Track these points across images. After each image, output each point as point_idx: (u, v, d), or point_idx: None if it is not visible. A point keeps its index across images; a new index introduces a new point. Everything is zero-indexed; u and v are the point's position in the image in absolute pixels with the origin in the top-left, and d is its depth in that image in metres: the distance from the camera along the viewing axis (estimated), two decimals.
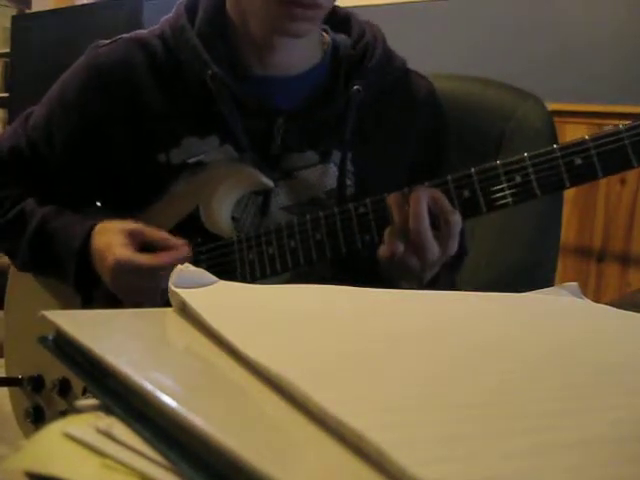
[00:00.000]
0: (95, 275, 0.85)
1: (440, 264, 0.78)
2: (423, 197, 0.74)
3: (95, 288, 0.87)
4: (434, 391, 0.29)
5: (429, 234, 0.74)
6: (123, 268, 0.80)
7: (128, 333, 0.38)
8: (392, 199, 0.76)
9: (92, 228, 0.85)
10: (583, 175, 0.72)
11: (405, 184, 0.78)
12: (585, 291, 0.56)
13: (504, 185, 0.74)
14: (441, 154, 0.92)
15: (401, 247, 0.75)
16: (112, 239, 0.83)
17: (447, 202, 0.74)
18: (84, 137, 0.89)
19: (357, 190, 0.87)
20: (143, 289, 0.81)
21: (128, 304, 0.84)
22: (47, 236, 0.88)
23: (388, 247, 0.76)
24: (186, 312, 0.39)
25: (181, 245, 0.82)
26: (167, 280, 0.80)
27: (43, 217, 0.89)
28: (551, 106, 1.13)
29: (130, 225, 0.83)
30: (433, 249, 0.74)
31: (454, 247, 0.76)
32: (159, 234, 0.83)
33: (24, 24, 3.47)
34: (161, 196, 0.88)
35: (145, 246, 0.82)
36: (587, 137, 0.72)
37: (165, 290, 0.80)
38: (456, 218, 0.74)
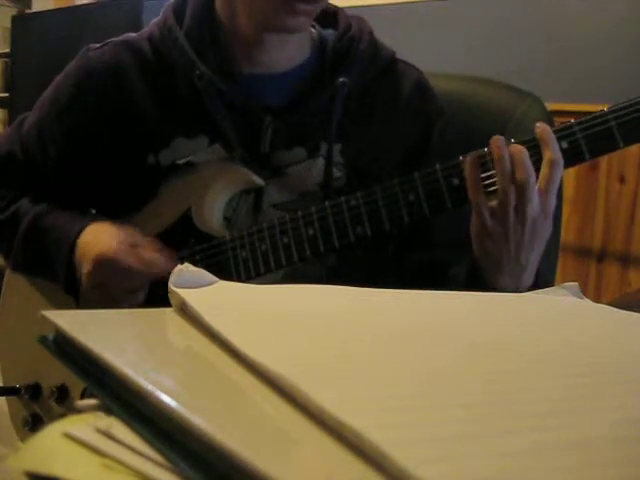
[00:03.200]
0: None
1: (541, 242, 0.75)
2: (524, 149, 0.72)
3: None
4: (433, 391, 0.29)
5: (535, 187, 0.71)
6: (109, 263, 0.80)
7: (128, 333, 0.38)
8: (494, 142, 0.73)
9: (83, 228, 0.85)
10: (571, 158, 0.72)
11: (398, 173, 0.78)
12: (585, 291, 0.56)
13: (492, 172, 0.74)
14: (435, 139, 0.92)
15: (487, 212, 0.73)
16: (106, 233, 0.83)
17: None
18: (76, 140, 0.90)
19: (348, 181, 0.87)
20: (112, 288, 0.81)
21: (91, 299, 0.84)
22: (39, 233, 0.88)
23: (502, 195, 0.72)
24: (186, 312, 0.39)
25: (170, 259, 0.82)
26: (140, 288, 0.80)
27: (35, 215, 0.89)
28: (551, 106, 1.13)
29: (126, 229, 0.84)
30: (534, 203, 0.71)
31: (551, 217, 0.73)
32: (152, 246, 0.83)
33: (24, 24, 3.47)
34: (152, 198, 0.88)
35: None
36: (573, 121, 0.72)
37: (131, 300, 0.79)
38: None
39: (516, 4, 2.32)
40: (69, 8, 3.51)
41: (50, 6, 3.72)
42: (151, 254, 0.82)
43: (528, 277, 0.77)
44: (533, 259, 0.76)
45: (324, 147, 0.87)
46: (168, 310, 0.41)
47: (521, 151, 0.71)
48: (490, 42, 2.35)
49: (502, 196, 0.72)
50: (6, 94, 3.78)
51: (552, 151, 0.71)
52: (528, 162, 0.71)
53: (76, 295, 0.88)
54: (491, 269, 0.76)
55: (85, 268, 0.82)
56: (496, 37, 2.34)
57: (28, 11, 4.18)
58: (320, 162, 0.87)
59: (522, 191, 0.71)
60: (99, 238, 0.83)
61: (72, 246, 0.85)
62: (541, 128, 0.72)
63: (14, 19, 3.58)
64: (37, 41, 3.30)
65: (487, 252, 0.76)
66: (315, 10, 0.83)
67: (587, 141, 0.71)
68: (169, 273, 0.42)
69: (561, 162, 0.71)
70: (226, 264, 0.83)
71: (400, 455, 0.22)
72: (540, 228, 0.73)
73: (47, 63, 3.04)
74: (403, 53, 0.94)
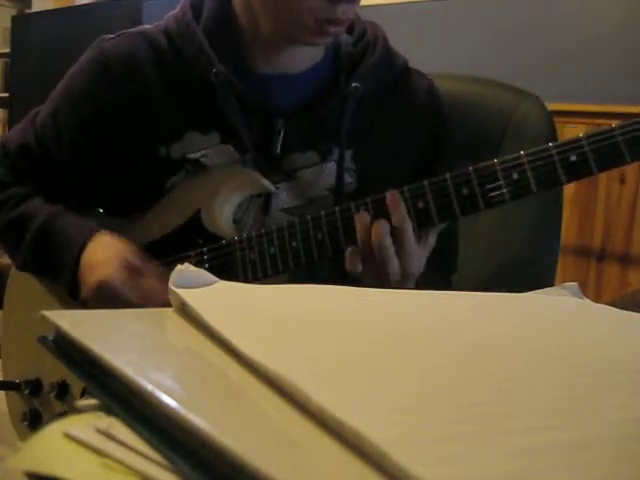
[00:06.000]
0: None
1: (411, 280, 0.78)
2: (399, 197, 0.75)
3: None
4: (434, 391, 0.29)
5: (390, 250, 0.75)
6: (109, 292, 0.80)
7: (128, 333, 0.38)
8: (358, 216, 0.77)
9: (93, 234, 0.85)
10: (578, 171, 0.73)
11: (407, 181, 0.78)
12: (585, 291, 0.56)
13: (501, 182, 0.74)
14: (442, 149, 0.93)
15: (360, 266, 0.76)
16: (110, 253, 0.83)
17: (402, 220, 0.75)
18: (90, 129, 0.89)
19: (358, 187, 0.88)
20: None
21: None
22: (48, 236, 0.88)
23: (348, 264, 0.77)
24: (186, 312, 0.39)
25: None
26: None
27: (47, 216, 0.89)
28: (551, 106, 1.13)
29: (129, 248, 0.83)
30: (393, 264, 0.75)
31: (414, 265, 0.77)
32: (154, 272, 0.83)
33: (24, 24, 3.47)
34: (162, 198, 0.88)
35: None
36: (582, 135, 0.73)
37: None
38: (409, 237, 0.75)
39: (516, 4, 2.32)
40: (69, 8, 3.51)
41: (50, 6, 3.72)
42: (150, 284, 0.81)
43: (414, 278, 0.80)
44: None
45: (336, 152, 0.87)
46: (168, 310, 0.41)
47: (395, 196, 0.75)
48: (490, 42, 2.35)
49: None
50: (6, 94, 3.79)
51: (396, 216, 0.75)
52: (385, 228, 0.75)
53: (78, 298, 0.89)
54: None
55: (84, 293, 0.83)
56: (496, 37, 2.34)
57: (28, 11, 4.19)
58: (331, 166, 0.87)
59: (377, 253, 0.75)
60: (100, 261, 0.82)
61: (79, 255, 0.85)
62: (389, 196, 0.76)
63: (14, 19, 3.59)
64: (37, 41, 3.30)
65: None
66: (344, 29, 0.84)
67: (595, 155, 0.72)
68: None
69: (404, 225, 0.75)
70: (234, 265, 0.83)
71: (400, 455, 0.22)
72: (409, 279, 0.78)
73: (47, 63, 3.04)
74: (403, 53, 0.94)
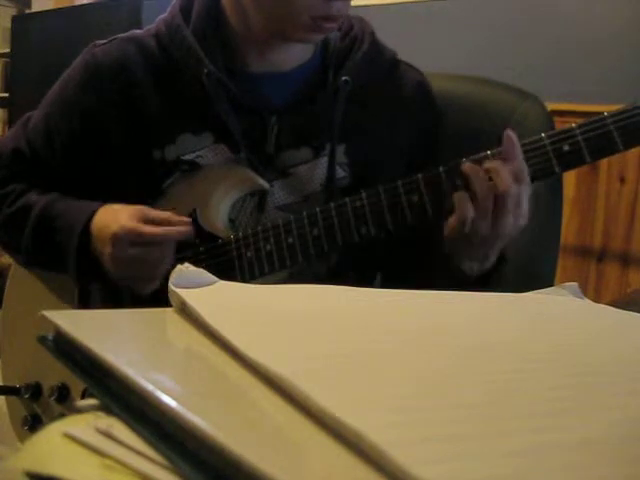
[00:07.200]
0: (95, 262, 0.84)
1: (508, 238, 0.76)
2: (502, 164, 0.73)
3: (94, 279, 0.87)
4: (434, 391, 0.29)
5: (515, 199, 0.72)
6: (127, 237, 0.79)
7: (128, 333, 0.38)
8: (468, 167, 0.74)
9: (96, 210, 0.85)
10: (572, 160, 0.73)
11: (401, 173, 0.78)
12: (585, 291, 0.56)
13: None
14: (434, 142, 0.93)
15: (472, 212, 0.73)
16: (118, 213, 0.82)
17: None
18: (83, 135, 0.90)
19: (352, 181, 0.88)
20: (144, 261, 0.80)
21: (123, 281, 0.83)
22: (50, 219, 0.88)
23: (459, 212, 0.74)
24: (186, 312, 0.39)
25: (184, 221, 0.81)
26: (169, 254, 0.80)
27: (47, 202, 0.89)
28: (551, 106, 1.13)
29: (134, 206, 0.83)
30: (509, 216, 0.73)
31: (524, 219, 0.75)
32: (162, 213, 0.82)
33: (24, 24, 3.47)
34: (157, 197, 0.88)
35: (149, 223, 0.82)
36: (574, 125, 0.73)
37: (166, 267, 0.79)
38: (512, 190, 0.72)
39: (516, 4, 2.32)
40: (69, 8, 3.51)
41: (50, 6, 3.71)
42: (163, 215, 0.81)
43: (493, 259, 0.79)
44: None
45: (328, 147, 0.87)
46: (168, 310, 0.41)
47: (500, 166, 0.73)
48: (490, 42, 2.35)
49: (482, 205, 0.73)
50: (6, 94, 3.78)
51: (517, 161, 0.73)
52: (507, 175, 0.72)
53: (84, 282, 0.88)
54: (459, 257, 0.79)
55: (107, 250, 0.81)
56: (496, 37, 2.34)
57: (28, 11, 4.18)
58: (324, 162, 0.87)
59: (502, 202, 0.72)
60: (111, 219, 0.82)
61: (85, 230, 0.84)
62: (506, 135, 0.74)
63: (14, 19, 3.58)
64: (37, 41, 3.30)
65: (458, 250, 0.78)
66: (338, 26, 0.84)
67: (588, 144, 0.72)
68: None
69: (523, 173, 0.72)
70: (231, 264, 0.83)
71: (400, 455, 0.22)
72: (510, 236, 0.76)
73: (47, 63, 3.03)
74: (403, 53, 0.94)
